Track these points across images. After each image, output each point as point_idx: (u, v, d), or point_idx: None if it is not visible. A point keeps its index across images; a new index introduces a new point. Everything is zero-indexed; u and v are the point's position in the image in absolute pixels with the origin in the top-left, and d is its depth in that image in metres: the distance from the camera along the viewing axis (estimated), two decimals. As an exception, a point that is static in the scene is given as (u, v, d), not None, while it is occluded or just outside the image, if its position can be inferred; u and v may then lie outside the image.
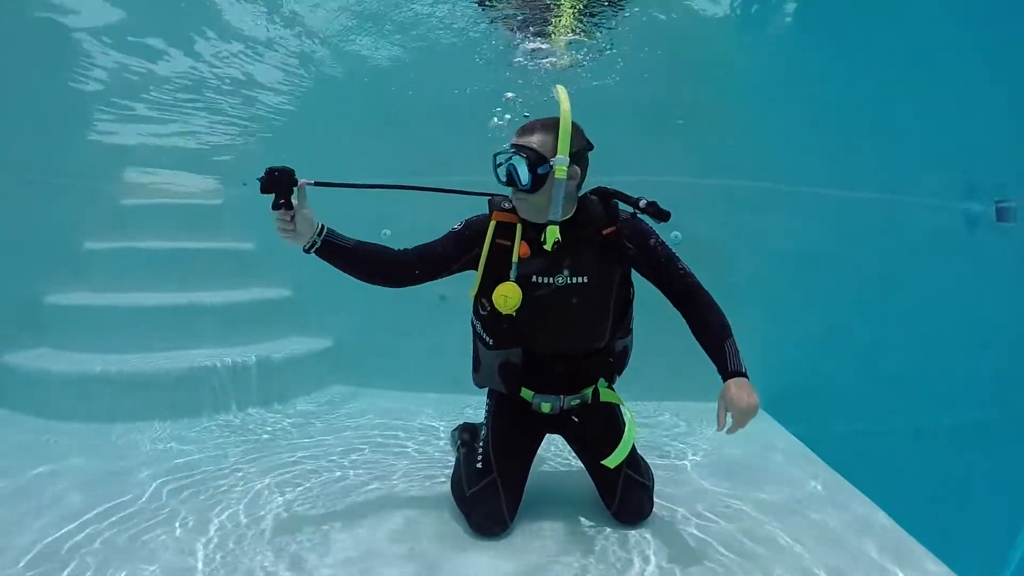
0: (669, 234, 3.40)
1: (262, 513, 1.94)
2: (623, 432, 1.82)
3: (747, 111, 3.46)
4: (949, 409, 3.55)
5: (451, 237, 1.86)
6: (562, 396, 1.89)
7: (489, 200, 1.90)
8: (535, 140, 1.72)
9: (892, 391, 3.44)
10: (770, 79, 3.50)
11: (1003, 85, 3.69)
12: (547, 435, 2.06)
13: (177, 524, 1.85)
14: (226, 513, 1.93)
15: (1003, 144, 3.72)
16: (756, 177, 3.47)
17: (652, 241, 1.84)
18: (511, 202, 1.82)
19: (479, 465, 1.86)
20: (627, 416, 1.90)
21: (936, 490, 3.44)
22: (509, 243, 1.79)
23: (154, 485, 2.16)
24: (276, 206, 1.63)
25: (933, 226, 3.67)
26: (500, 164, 1.75)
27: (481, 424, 2.08)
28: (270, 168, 1.62)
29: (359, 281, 1.81)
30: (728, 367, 1.65)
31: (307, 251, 1.72)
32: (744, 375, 1.62)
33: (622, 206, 1.86)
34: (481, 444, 1.94)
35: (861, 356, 3.44)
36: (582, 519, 1.90)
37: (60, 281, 3.69)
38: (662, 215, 1.77)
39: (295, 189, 1.64)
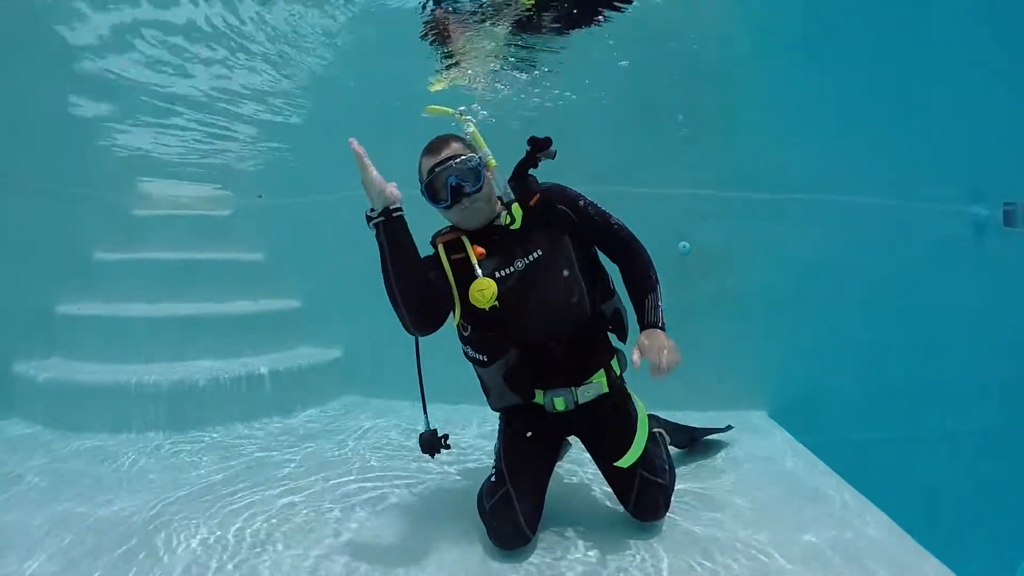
0: (677, 243, 3.43)
1: (275, 524, 1.94)
2: (636, 431, 1.82)
3: (754, 119, 3.46)
4: (959, 417, 3.54)
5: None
6: (573, 388, 1.87)
7: (431, 240, 1.92)
8: (456, 148, 1.78)
9: (902, 399, 3.43)
10: (776, 87, 3.50)
11: (1012, 90, 3.71)
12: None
13: (189, 536, 1.85)
14: (238, 524, 1.93)
15: (1013, 150, 3.72)
16: (763, 186, 3.47)
17: (582, 203, 1.87)
18: (446, 228, 1.89)
19: (493, 479, 1.87)
20: (640, 413, 1.90)
21: (947, 497, 3.43)
22: (463, 255, 1.82)
23: (164, 496, 2.17)
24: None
25: (942, 233, 3.66)
26: (442, 185, 1.74)
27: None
28: (423, 445, 1.93)
29: (402, 310, 1.69)
30: (646, 320, 1.82)
31: (385, 217, 1.64)
32: (659, 327, 1.78)
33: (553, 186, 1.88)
34: (495, 457, 1.95)
35: (870, 364, 3.43)
36: (603, 530, 1.87)
37: (71, 291, 3.73)
38: (541, 144, 1.85)
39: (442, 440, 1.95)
